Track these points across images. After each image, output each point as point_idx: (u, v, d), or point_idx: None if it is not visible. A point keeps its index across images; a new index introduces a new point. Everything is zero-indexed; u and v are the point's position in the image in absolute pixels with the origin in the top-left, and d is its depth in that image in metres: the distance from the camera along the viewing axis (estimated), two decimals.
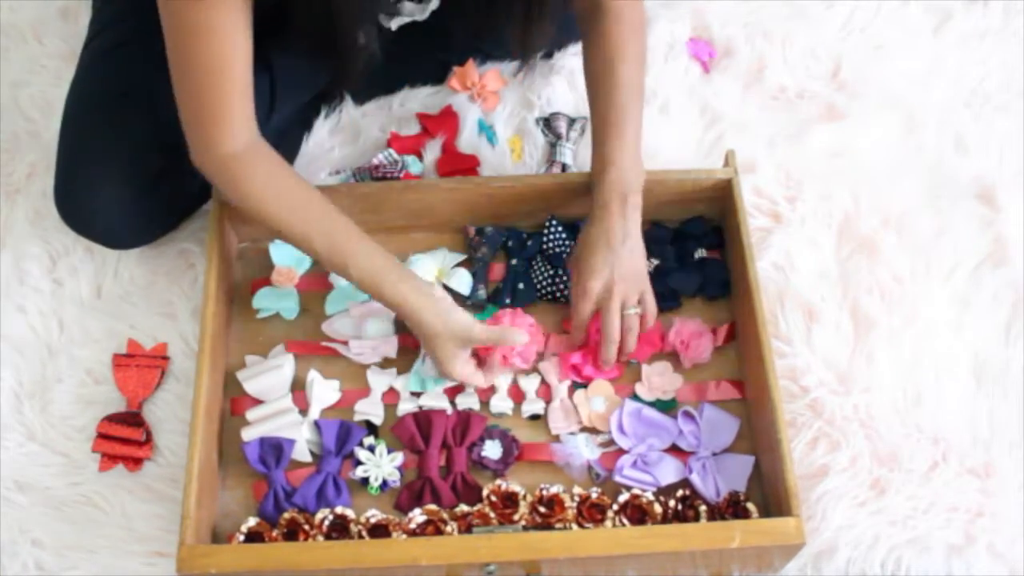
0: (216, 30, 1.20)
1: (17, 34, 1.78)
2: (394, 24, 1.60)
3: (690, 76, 1.72)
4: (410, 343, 1.45)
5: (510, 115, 1.68)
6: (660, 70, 1.71)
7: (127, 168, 1.43)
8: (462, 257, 1.52)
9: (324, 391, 1.41)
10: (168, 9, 1.20)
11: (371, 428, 1.41)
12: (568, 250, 1.51)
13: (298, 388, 1.43)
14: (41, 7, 1.80)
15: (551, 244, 1.51)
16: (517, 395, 1.43)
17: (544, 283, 1.49)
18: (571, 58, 1.72)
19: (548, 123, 1.65)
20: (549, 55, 1.73)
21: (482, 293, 1.50)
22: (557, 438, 1.40)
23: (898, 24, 1.77)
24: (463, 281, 1.50)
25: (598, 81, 1.41)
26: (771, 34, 1.74)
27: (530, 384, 1.44)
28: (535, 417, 1.42)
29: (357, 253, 1.32)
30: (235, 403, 1.42)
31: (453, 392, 1.43)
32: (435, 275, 1.50)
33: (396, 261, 1.35)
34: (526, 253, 1.52)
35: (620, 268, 1.37)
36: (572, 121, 1.64)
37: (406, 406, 1.41)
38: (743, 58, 1.72)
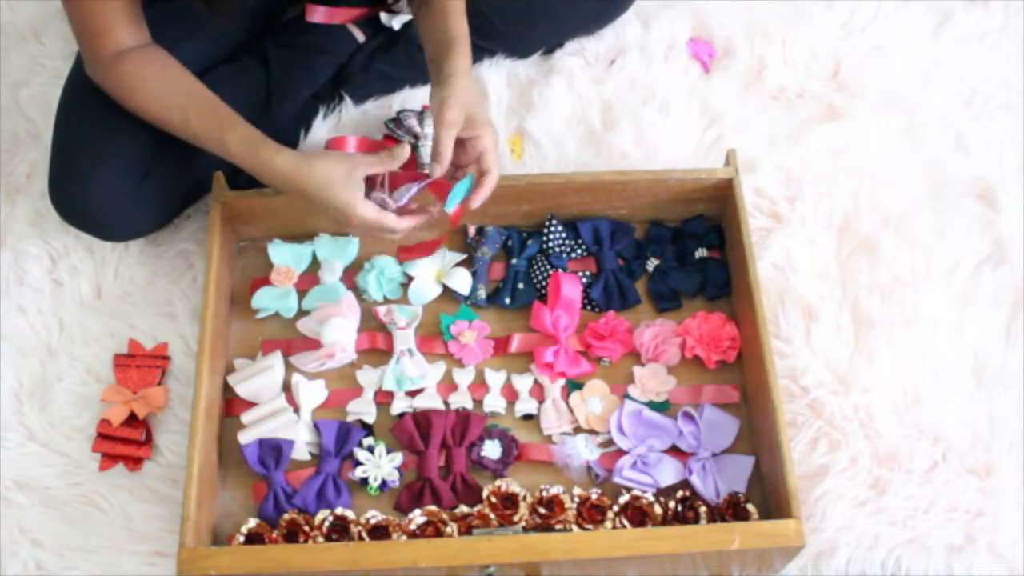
0: None
1: (17, 34, 1.79)
2: (396, 23, 1.61)
3: (690, 76, 1.71)
4: (379, 344, 1.45)
5: (509, 115, 1.68)
6: (660, 70, 1.71)
7: (121, 159, 1.43)
8: (462, 257, 1.52)
9: (310, 391, 1.42)
10: None
11: (366, 428, 1.41)
12: (568, 250, 1.51)
13: (290, 388, 1.43)
14: (41, 7, 1.80)
15: (551, 244, 1.51)
16: (510, 394, 1.44)
17: (544, 283, 1.49)
18: (570, 58, 1.72)
19: (399, 123, 1.62)
20: (549, 52, 1.73)
21: (482, 293, 1.50)
22: (550, 439, 1.40)
23: (898, 24, 1.77)
24: (463, 281, 1.50)
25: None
26: (771, 34, 1.74)
27: (523, 383, 1.44)
28: (528, 417, 1.42)
29: (234, 127, 1.33)
30: (230, 405, 1.43)
31: (446, 391, 1.43)
32: (435, 275, 1.50)
33: (271, 140, 1.34)
34: (526, 253, 1.52)
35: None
36: (421, 114, 1.62)
37: (400, 405, 1.41)
38: (743, 58, 1.72)
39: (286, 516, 1.32)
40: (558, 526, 1.31)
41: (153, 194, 1.48)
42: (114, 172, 1.43)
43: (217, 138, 1.33)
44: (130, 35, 1.35)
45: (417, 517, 1.31)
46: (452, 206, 1.33)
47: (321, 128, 1.64)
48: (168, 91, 1.36)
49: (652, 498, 1.33)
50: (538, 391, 1.44)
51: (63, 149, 1.47)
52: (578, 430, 1.41)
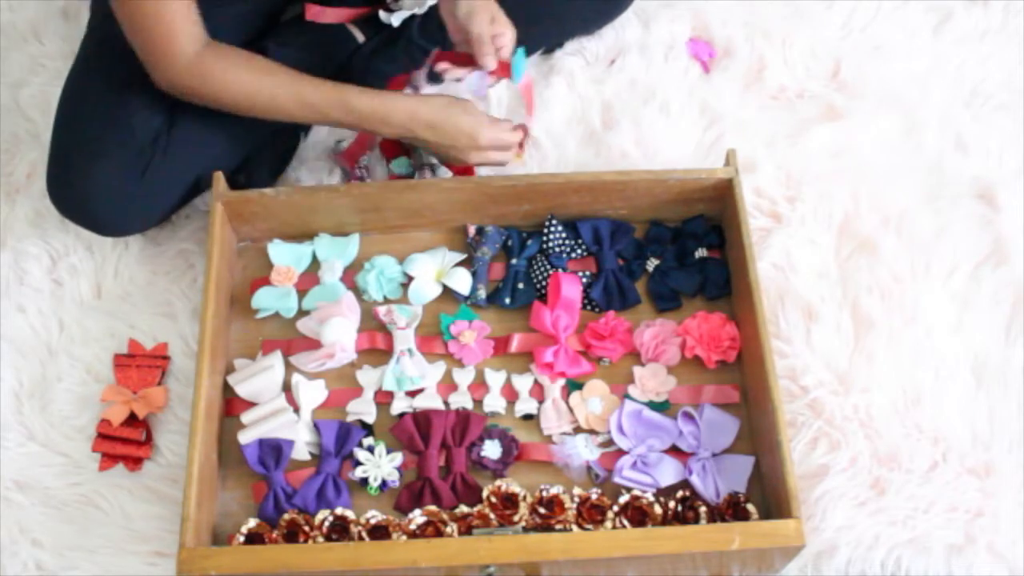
0: None
1: (17, 34, 1.79)
2: (395, 20, 1.61)
3: (690, 76, 1.72)
4: (379, 344, 1.45)
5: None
6: (660, 70, 1.71)
7: (120, 154, 1.44)
8: (462, 256, 1.52)
9: (310, 391, 1.42)
10: None
11: (366, 428, 1.41)
12: (568, 250, 1.51)
13: (290, 388, 1.43)
14: (41, 7, 1.80)
15: (551, 244, 1.51)
16: (510, 394, 1.44)
17: (544, 283, 1.49)
18: (570, 58, 1.72)
19: None
20: (549, 52, 1.73)
21: (482, 293, 1.50)
22: (550, 439, 1.40)
23: (898, 24, 1.77)
24: (463, 280, 1.50)
25: None
26: (771, 34, 1.74)
27: (523, 383, 1.44)
28: (528, 417, 1.42)
29: (350, 93, 1.41)
30: (230, 405, 1.42)
31: (446, 391, 1.43)
32: (435, 275, 1.50)
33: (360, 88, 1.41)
34: (526, 253, 1.52)
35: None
36: None
37: (400, 405, 1.41)
38: (743, 58, 1.72)
39: (286, 516, 1.32)
40: (558, 526, 1.31)
41: (152, 190, 1.47)
42: (113, 167, 1.43)
43: (338, 103, 1.40)
44: (201, 33, 1.38)
45: (417, 517, 1.31)
46: (520, 76, 1.47)
47: (321, 128, 1.64)
48: (264, 72, 1.40)
49: (652, 498, 1.33)
50: (538, 391, 1.44)
51: (62, 145, 1.47)
52: (578, 430, 1.41)
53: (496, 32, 1.43)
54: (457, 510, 1.33)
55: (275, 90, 1.39)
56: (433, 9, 1.60)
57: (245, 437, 1.38)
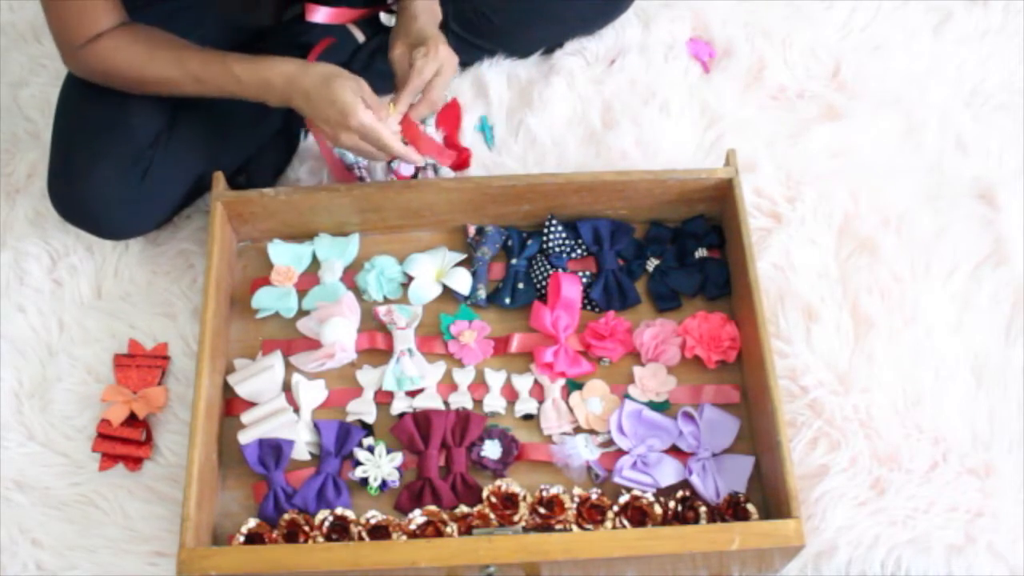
0: None
1: (17, 34, 1.79)
2: (396, 21, 1.61)
3: (690, 76, 1.72)
4: (379, 344, 1.45)
5: (509, 115, 1.68)
6: (660, 70, 1.71)
7: (120, 156, 1.44)
8: (462, 256, 1.52)
9: (310, 391, 1.42)
10: None
11: (366, 428, 1.41)
12: (568, 250, 1.51)
13: (290, 388, 1.43)
14: (41, 7, 1.80)
15: (551, 244, 1.51)
16: (510, 394, 1.44)
17: (544, 283, 1.49)
18: (570, 58, 1.72)
19: None
20: (549, 52, 1.73)
21: (482, 293, 1.50)
22: (550, 439, 1.40)
23: (898, 24, 1.77)
24: (463, 281, 1.50)
25: None
26: (771, 34, 1.74)
27: (523, 383, 1.44)
28: (528, 417, 1.42)
29: (232, 57, 1.35)
30: (230, 405, 1.43)
31: (446, 391, 1.43)
32: (435, 275, 1.50)
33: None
34: (526, 253, 1.52)
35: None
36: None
37: (399, 405, 1.41)
38: (743, 58, 1.72)
39: (286, 516, 1.32)
40: (558, 526, 1.31)
41: (152, 192, 1.47)
42: (113, 170, 1.43)
43: (222, 72, 1.35)
44: (107, 17, 1.37)
45: (417, 517, 1.31)
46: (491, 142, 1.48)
47: None
48: (157, 49, 1.37)
49: (652, 498, 1.33)
50: (538, 391, 1.44)
51: (62, 146, 1.47)
52: (578, 430, 1.41)
53: (422, 67, 1.37)
54: (457, 510, 1.33)
55: (164, 68, 1.37)
56: None
57: (245, 437, 1.38)
